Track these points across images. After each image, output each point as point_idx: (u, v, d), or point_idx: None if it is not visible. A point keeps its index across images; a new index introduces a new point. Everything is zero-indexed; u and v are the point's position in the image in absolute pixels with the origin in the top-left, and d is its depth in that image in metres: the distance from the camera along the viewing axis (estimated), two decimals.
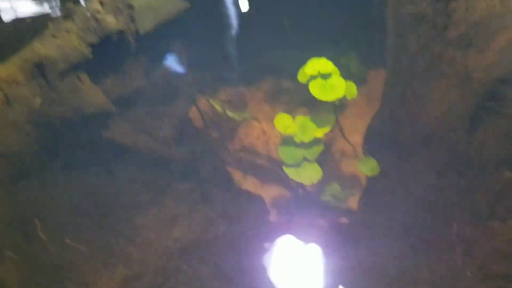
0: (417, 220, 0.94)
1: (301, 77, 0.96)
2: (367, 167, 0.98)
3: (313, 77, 0.93)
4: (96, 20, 0.95)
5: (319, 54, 0.97)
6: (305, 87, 1.12)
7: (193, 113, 1.16)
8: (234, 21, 1.19)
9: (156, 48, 1.08)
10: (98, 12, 0.95)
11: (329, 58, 1.02)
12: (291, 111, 1.11)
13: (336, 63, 1.13)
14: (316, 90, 0.91)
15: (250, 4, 1.17)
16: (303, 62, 1.00)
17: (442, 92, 0.98)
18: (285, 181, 1.09)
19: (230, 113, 1.12)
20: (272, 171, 1.10)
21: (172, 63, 1.12)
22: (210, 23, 1.19)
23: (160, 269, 0.94)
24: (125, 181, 1.06)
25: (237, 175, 1.13)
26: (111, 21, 0.96)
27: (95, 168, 1.03)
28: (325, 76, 0.93)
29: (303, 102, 1.12)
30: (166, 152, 1.08)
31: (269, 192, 1.10)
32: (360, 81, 1.14)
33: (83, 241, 0.97)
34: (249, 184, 1.12)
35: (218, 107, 1.13)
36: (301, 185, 1.06)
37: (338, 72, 0.94)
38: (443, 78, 0.98)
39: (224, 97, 1.21)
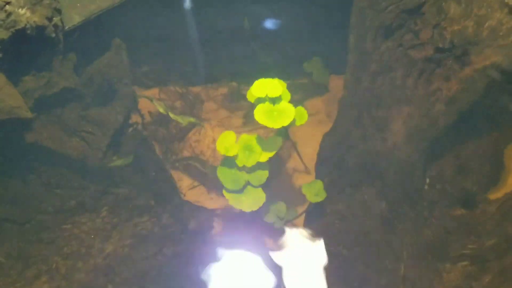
0: (361, 255, 0.90)
1: (250, 97, 0.87)
2: (311, 192, 0.91)
3: (260, 100, 0.84)
4: (6, 13, 0.80)
5: (283, 58, 0.94)
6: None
7: (134, 115, 1.07)
8: (185, 12, 1.07)
9: (90, 44, 0.96)
10: (9, 3, 0.80)
11: (292, 62, 0.95)
12: (248, 118, 1.05)
13: (298, 69, 1.05)
14: (262, 116, 0.83)
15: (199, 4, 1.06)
16: (267, 67, 0.95)
17: (402, 120, 0.91)
18: None
19: (172, 115, 1.03)
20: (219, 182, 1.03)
21: (110, 60, 1.00)
22: (158, 15, 1.07)
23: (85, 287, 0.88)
24: (52, 187, 0.97)
25: (184, 183, 1.06)
26: (26, 15, 0.82)
27: (18, 172, 0.94)
28: (274, 100, 0.84)
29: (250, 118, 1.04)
30: (102, 158, 0.99)
31: (215, 204, 1.04)
32: (321, 88, 1.09)
33: (2, 250, 0.90)
34: (196, 194, 1.05)
35: (160, 109, 1.04)
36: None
37: (288, 96, 0.85)
38: (404, 105, 0.91)
39: (173, 97, 1.12)
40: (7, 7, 0.79)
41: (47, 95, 0.91)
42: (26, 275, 0.89)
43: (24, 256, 0.91)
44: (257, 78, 0.84)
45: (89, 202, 0.98)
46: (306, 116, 0.87)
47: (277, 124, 0.82)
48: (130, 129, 1.05)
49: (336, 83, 1.06)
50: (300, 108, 0.86)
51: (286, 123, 0.82)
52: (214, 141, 1.08)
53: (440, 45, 0.89)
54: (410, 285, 0.85)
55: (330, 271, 0.89)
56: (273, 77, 0.85)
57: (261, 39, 1.11)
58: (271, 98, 0.84)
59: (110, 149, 0.99)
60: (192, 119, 1.03)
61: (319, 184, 0.93)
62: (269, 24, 1.11)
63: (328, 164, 0.98)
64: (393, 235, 0.90)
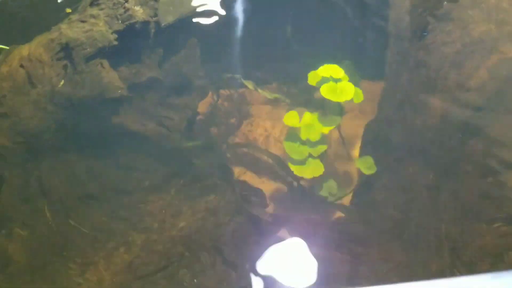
0: (410, 218, 1.03)
1: (312, 79, 1.04)
2: (365, 165, 1.06)
3: (324, 80, 1.01)
4: (124, 8, 0.99)
5: (316, 62, 1.03)
6: (306, 92, 1.20)
7: (202, 106, 1.21)
8: (242, 25, 1.24)
9: (173, 41, 1.13)
10: (127, 1, 0.99)
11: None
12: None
13: None
14: (327, 92, 0.99)
15: (256, 12, 1.23)
16: (302, 69, 1.06)
17: (437, 105, 1.07)
18: (283, 177, 1.16)
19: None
20: (271, 167, 1.17)
21: (186, 56, 1.16)
22: (225, 24, 1.24)
23: (163, 255, 0.98)
24: (130, 167, 1.10)
25: (237, 170, 1.19)
26: (138, 11, 1.00)
27: (103, 152, 1.07)
28: (336, 80, 1.01)
29: (304, 105, 1.20)
30: (174, 141, 1.13)
31: (268, 187, 1.17)
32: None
33: (87, 223, 1.01)
34: (249, 178, 1.18)
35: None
36: (298, 182, 1.14)
37: (347, 78, 1.02)
38: (437, 93, 1.08)
39: (227, 94, 1.27)
40: (126, 4, 0.98)
41: (135, 83, 1.07)
42: (107, 246, 1.00)
43: (104, 230, 1.02)
44: (294, 80, 1.00)
45: (161, 183, 1.11)
46: (362, 96, 1.04)
47: (340, 98, 0.99)
48: (199, 119, 1.21)
49: (365, 87, 1.21)
50: (357, 88, 1.03)
51: (348, 97, 0.99)
52: (266, 130, 1.23)
53: (468, 41, 1.08)
54: (452, 240, 0.99)
55: (384, 232, 1.03)
56: None
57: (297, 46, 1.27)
58: (334, 79, 1.01)
59: (184, 133, 1.13)
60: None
61: (370, 159, 1.08)
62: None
63: (373, 145, 1.14)
64: (436, 201, 1.05)
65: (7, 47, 1.00)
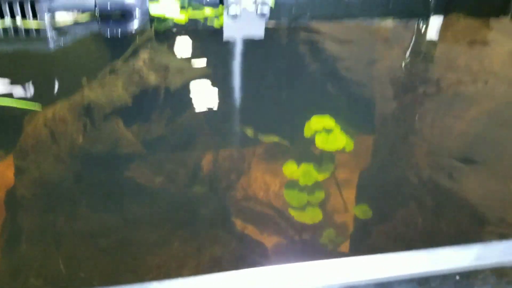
0: None
1: (307, 131, 1.15)
2: (360, 211, 1.14)
3: (317, 132, 1.12)
4: (139, 75, 1.13)
5: (310, 115, 1.13)
6: (301, 143, 1.30)
7: (205, 161, 1.31)
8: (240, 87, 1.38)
9: (180, 102, 1.26)
10: (141, 69, 1.14)
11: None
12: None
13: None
14: (321, 141, 1.10)
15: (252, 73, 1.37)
16: (295, 126, 1.18)
17: (423, 155, 1.18)
18: (284, 229, 1.23)
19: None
20: (272, 219, 1.25)
21: (191, 116, 1.29)
22: (227, 85, 1.38)
23: None
24: (138, 220, 1.17)
25: (239, 223, 1.26)
26: (151, 77, 1.14)
27: (114, 204, 1.15)
28: (328, 131, 1.12)
29: (298, 158, 1.30)
30: (179, 195, 1.21)
31: (270, 239, 1.23)
32: None
33: (95, 276, 1.05)
34: (251, 231, 1.25)
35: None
36: (299, 233, 1.21)
37: (339, 128, 1.13)
38: (423, 143, 1.19)
39: (227, 154, 1.37)
40: (141, 72, 1.12)
41: (146, 141, 1.18)
42: None
43: (112, 282, 1.06)
44: (288, 135, 1.11)
45: (167, 235, 1.18)
46: (352, 144, 1.14)
47: (333, 147, 1.10)
48: (202, 173, 1.30)
49: (358, 139, 1.31)
50: (348, 137, 1.14)
51: (340, 146, 1.10)
52: (265, 183, 1.31)
53: (446, 98, 1.21)
54: None
55: None
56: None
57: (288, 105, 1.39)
58: (326, 129, 1.12)
59: (188, 187, 1.22)
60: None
61: (365, 206, 1.17)
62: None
63: (367, 192, 1.22)
64: (429, 244, 1.11)
65: (39, 109, 1.13)
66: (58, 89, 1.20)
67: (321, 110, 1.21)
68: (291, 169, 1.14)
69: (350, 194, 1.25)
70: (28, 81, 1.24)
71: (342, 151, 1.13)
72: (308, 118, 1.19)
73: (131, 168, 1.15)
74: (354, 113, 1.28)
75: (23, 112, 1.16)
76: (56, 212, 1.10)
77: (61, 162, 1.08)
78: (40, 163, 1.08)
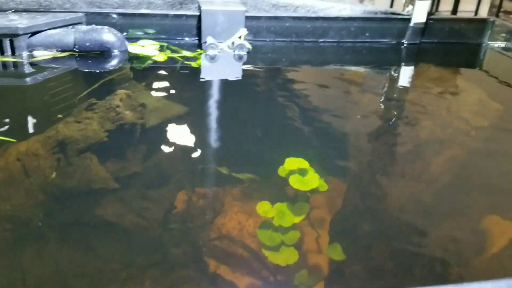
0: None
1: (281, 172, 1.16)
2: (334, 253, 1.14)
3: (292, 172, 1.14)
4: (116, 112, 1.13)
5: (284, 157, 1.16)
6: (275, 185, 1.31)
7: (178, 200, 1.30)
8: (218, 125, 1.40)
9: (155, 140, 1.26)
10: (118, 106, 1.14)
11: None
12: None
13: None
14: (295, 182, 1.11)
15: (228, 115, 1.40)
16: (269, 166, 1.19)
17: (396, 197, 1.20)
18: (258, 270, 1.22)
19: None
20: (246, 260, 1.24)
21: (166, 154, 1.29)
22: (203, 125, 1.40)
23: None
24: (108, 258, 1.14)
25: (212, 263, 1.24)
26: (128, 114, 1.15)
27: (84, 242, 1.12)
28: (302, 171, 1.14)
29: (272, 198, 1.30)
30: (151, 233, 1.19)
31: (243, 280, 1.22)
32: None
33: None
34: (223, 271, 1.24)
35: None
36: (273, 274, 1.19)
37: (312, 169, 1.15)
38: (397, 184, 1.22)
39: (201, 192, 1.37)
40: (117, 109, 1.13)
41: (119, 177, 1.17)
42: None
43: None
44: (264, 175, 1.13)
45: (138, 273, 1.16)
46: (326, 186, 1.16)
47: (307, 187, 1.11)
48: (177, 209, 1.29)
49: (331, 180, 1.34)
50: (321, 179, 1.16)
51: (314, 186, 1.11)
52: (239, 223, 1.31)
53: (418, 142, 1.25)
54: None
55: None
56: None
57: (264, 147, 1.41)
58: (300, 170, 1.14)
59: (161, 225, 1.21)
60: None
61: (338, 247, 1.17)
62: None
63: (341, 233, 1.23)
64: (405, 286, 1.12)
65: (15, 140, 1.12)
66: (33, 123, 1.19)
67: (295, 152, 1.23)
68: (265, 209, 1.15)
69: (323, 235, 1.25)
70: (2, 115, 1.23)
71: (316, 191, 1.15)
72: (282, 159, 1.20)
73: (103, 205, 1.13)
74: (327, 155, 1.30)
75: None
76: (24, 247, 1.07)
77: (32, 197, 1.06)
78: (11, 198, 1.06)
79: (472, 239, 1.07)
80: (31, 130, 1.16)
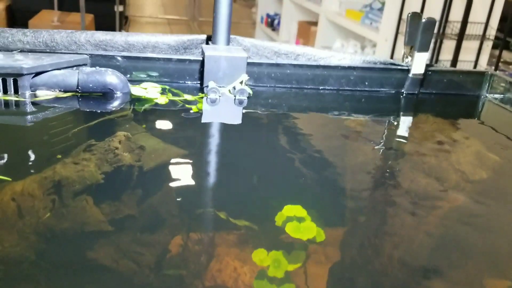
0: None
1: (279, 219, 1.15)
2: None
3: (289, 219, 1.13)
4: (114, 154, 1.14)
5: (281, 205, 1.14)
6: (271, 232, 1.30)
7: (173, 244, 1.29)
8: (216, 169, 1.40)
9: (152, 183, 1.26)
10: (117, 148, 1.15)
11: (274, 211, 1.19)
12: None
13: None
14: (292, 230, 1.10)
15: (226, 162, 1.40)
16: (266, 213, 1.17)
17: (394, 247, 1.19)
18: None
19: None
20: None
21: (162, 198, 1.28)
22: (202, 168, 1.40)
23: None
24: None
25: None
26: (126, 156, 1.15)
27: (74, 287, 1.10)
28: (299, 220, 1.13)
29: (270, 246, 1.29)
30: (143, 278, 1.17)
31: None
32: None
33: None
34: None
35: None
36: None
37: (309, 218, 1.14)
38: (394, 238, 1.20)
39: (196, 238, 1.35)
40: (116, 151, 1.13)
41: (114, 220, 1.17)
42: None
43: None
44: (260, 221, 1.12)
45: None
46: (323, 235, 1.14)
47: (303, 236, 1.09)
48: (171, 254, 1.27)
49: (328, 231, 1.33)
50: (319, 228, 1.15)
51: (311, 235, 1.10)
52: (235, 270, 1.28)
53: (414, 193, 1.25)
54: None
55: None
56: None
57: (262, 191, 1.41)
58: (298, 218, 1.13)
59: (153, 270, 1.19)
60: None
61: None
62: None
63: (338, 286, 1.21)
64: None
65: (10, 179, 1.11)
66: (31, 163, 1.19)
67: (293, 199, 1.23)
68: (261, 257, 1.13)
69: (319, 286, 1.23)
70: (1, 153, 1.23)
71: (313, 241, 1.13)
72: (280, 206, 1.20)
73: (95, 248, 1.12)
74: (325, 204, 1.30)
75: None
76: None
77: (25, 239, 1.05)
78: (3, 239, 1.04)
79: None
80: (28, 170, 1.16)
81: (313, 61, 1.80)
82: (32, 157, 1.24)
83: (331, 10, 5.26)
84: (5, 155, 1.23)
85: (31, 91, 1.44)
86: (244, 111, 1.63)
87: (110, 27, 7.09)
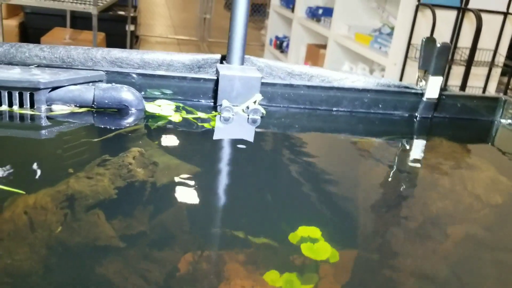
0: None
1: (292, 238, 1.14)
2: None
3: (303, 240, 1.11)
4: (128, 169, 1.13)
5: (295, 226, 1.13)
6: (284, 253, 1.28)
7: (182, 263, 1.27)
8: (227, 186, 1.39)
9: (164, 199, 1.25)
10: (130, 164, 1.14)
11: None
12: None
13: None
14: (306, 250, 1.08)
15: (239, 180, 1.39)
16: (280, 233, 1.17)
17: (407, 272, 1.17)
18: None
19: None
20: None
21: (174, 215, 1.27)
22: (214, 186, 1.39)
23: None
24: None
25: None
26: (140, 172, 1.15)
27: None
28: (314, 241, 1.11)
29: (281, 266, 1.27)
30: None
31: None
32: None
33: None
34: None
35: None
36: None
37: (323, 239, 1.12)
38: (406, 260, 1.19)
39: (206, 256, 1.34)
40: (130, 166, 1.13)
41: (125, 236, 1.16)
42: None
43: None
44: (272, 240, 1.11)
45: None
46: (338, 256, 1.13)
47: (317, 257, 1.08)
48: (180, 273, 1.25)
49: (341, 253, 1.32)
50: (333, 249, 1.13)
51: (325, 257, 1.08)
52: None
53: (428, 216, 1.23)
54: None
55: None
56: None
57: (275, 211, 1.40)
58: (312, 239, 1.11)
59: (163, 285, 1.17)
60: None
61: None
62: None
63: None
64: None
65: (23, 192, 1.11)
66: (45, 177, 1.19)
67: (306, 220, 1.21)
68: (273, 278, 1.11)
69: None
70: (15, 166, 1.23)
71: (326, 262, 1.11)
72: (293, 226, 1.18)
73: (104, 264, 1.10)
74: (339, 226, 1.28)
75: (3, 197, 1.14)
76: None
77: (35, 252, 1.04)
78: (13, 252, 1.03)
79: None
80: (41, 183, 1.16)
81: (327, 82, 1.80)
82: (46, 170, 1.24)
83: (340, 33, 5.32)
84: (19, 168, 1.23)
85: (47, 106, 1.45)
86: (257, 130, 1.63)
87: (121, 46, 7.20)
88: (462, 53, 4.68)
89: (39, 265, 1.03)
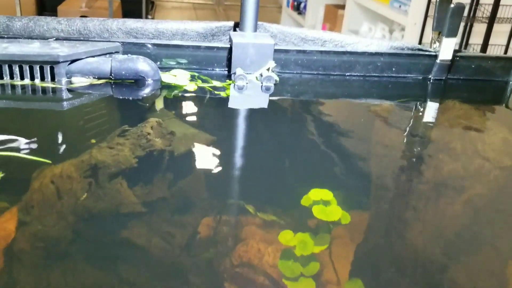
0: None
1: (305, 201, 1.18)
2: (354, 286, 1.14)
3: (315, 202, 1.16)
4: (147, 139, 1.19)
5: (308, 189, 1.18)
6: (298, 214, 1.34)
7: (203, 226, 1.34)
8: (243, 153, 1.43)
9: (182, 167, 1.30)
10: (149, 134, 1.20)
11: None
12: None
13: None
14: (318, 212, 1.13)
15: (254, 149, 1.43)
16: (293, 196, 1.21)
17: (419, 230, 1.21)
18: None
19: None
20: (265, 286, 1.25)
21: (192, 182, 1.33)
22: (230, 153, 1.44)
23: None
24: (130, 281, 1.17)
25: None
26: (158, 141, 1.20)
27: (109, 263, 1.16)
28: (325, 203, 1.16)
29: (295, 227, 1.32)
30: (174, 257, 1.22)
31: None
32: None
33: None
34: None
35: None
36: None
37: (335, 201, 1.17)
38: (418, 223, 1.22)
39: (224, 220, 1.40)
40: (148, 136, 1.19)
41: (146, 202, 1.22)
42: None
43: None
44: (285, 208, 1.16)
45: None
46: (349, 218, 1.17)
47: (329, 218, 1.13)
48: (200, 236, 1.32)
49: (354, 215, 1.36)
50: (344, 211, 1.17)
51: (336, 218, 1.13)
52: (260, 251, 1.33)
53: (439, 179, 1.26)
54: None
55: None
56: None
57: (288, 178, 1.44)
58: (324, 201, 1.16)
59: (184, 250, 1.24)
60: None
61: (359, 281, 1.17)
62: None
63: (362, 268, 1.24)
64: None
65: (50, 161, 1.18)
66: (68, 147, 1.25)
67: (319, 183, 1.26)
68: (287, 238, 1.17)
69: (344, 268, 1.26)
70: (41, 137, 1.30)
71: (338, 223, 1.16)
72: (306, 189, 1.23)
73: (129, 228, 1.17)
74: (351, 188, 1.32)
75: (32, 167, 1.21)
76: (52, 267, 1.11)
77: (63, 219, 1.11)
78: (43, 219, 1.11)
79: (495, 281, 1.06)
80: (66, 154, 1.22)
81: (340, 47, 1.81)
82: (70, 141, 1.30)
83: None
84: (45, 139, 1.30)
85: (67, 78, 1.50)
86: (271, 97, 1.66)
87: (137, 12, 7.17)
88: (485, 10, 4.54)
89: (67, 231, 1.11)
